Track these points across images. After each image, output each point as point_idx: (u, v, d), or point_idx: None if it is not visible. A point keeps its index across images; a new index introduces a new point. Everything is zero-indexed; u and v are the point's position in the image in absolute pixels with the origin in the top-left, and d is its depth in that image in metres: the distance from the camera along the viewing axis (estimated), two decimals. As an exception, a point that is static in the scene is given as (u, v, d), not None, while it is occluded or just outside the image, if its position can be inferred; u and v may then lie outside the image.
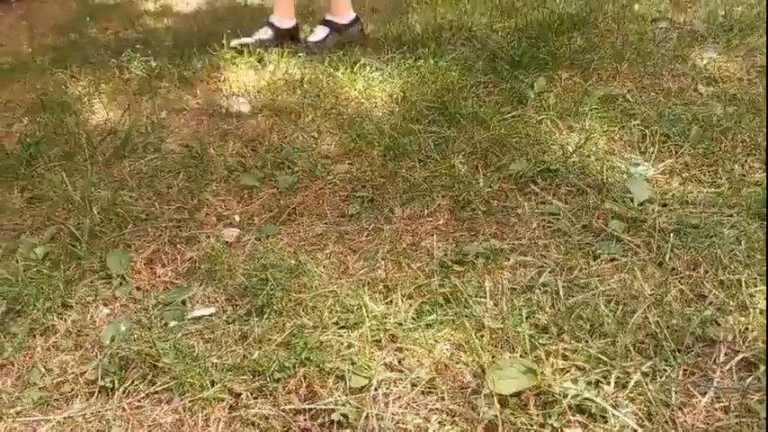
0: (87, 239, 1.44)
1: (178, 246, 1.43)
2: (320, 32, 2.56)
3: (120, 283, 1.31)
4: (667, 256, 1.17)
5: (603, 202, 1.39)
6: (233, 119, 2.08)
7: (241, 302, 1.20)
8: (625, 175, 1.48)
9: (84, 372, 1.06)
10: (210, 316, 1.18)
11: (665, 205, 1.37)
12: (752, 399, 0.87)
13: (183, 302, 1.22)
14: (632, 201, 1.38)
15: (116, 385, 1.02)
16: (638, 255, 1.21)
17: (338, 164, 1.74)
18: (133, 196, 1.66)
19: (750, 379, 0.90)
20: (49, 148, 1.97)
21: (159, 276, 1.34)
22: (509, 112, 1.87)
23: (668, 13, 2.56)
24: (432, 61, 2.27)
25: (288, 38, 2.55)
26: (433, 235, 1.36)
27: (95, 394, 1.02)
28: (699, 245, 1.20)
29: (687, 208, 1.34)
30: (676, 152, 1.56)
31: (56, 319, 1.21)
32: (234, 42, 2.46)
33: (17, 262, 1.35)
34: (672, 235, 1.23)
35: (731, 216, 1.28)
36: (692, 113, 1.72)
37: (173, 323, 1.15)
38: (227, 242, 1.44)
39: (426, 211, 1.45)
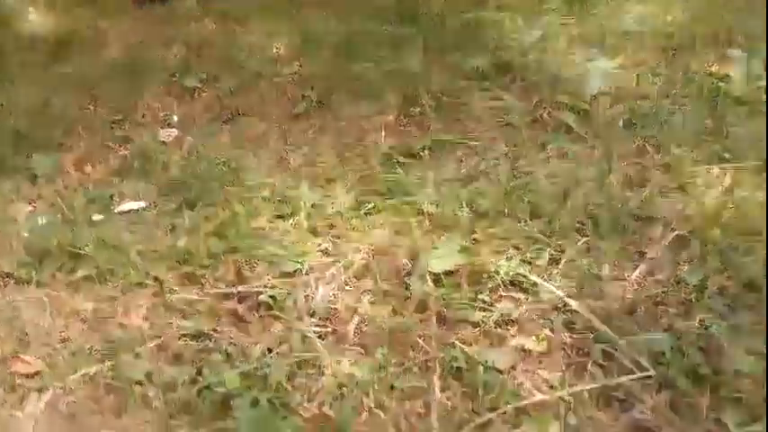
0: (15, 141, 1.36)
1: (111, 145, 1.36)
2: None
3: (47, 182, 1.24)
4: (614, 143, 1.13)
5: (557, 96, 1.33)
6: (180, 24, 1.96)
7: (173, 197, 1.14)
8: (580, 70, 1.42)
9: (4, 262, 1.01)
10: (139, 210, 1.12)
11: (619, 97, 1.32)
12: (682, 270, 0.85)
13: (112, 197, 1.16)
14: (584, 95, 1.33)
15: (33, 276, 0.97)
16: (587, 143, 1.17)
17: (288, 65, 1.65)
18: (67, 100, 1.57)
19: (683, 253, 0.88)
20: (-23, 55, 1.85)
21: (89, 175, 1.27)
22: (468, 12, 1.78)
23: None
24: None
25: None
26: (380, 131, 1.30)
27: (9, 285, 0.97)
28: (647, 132, 1.16)
29: (640, 99, 1.29)
30: (634, 47, 1.50)
31: (-25, 217, 1.14)
32: None
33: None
34: (621, 123, 1.19)
35: (684, 105, 1.24)
36: (652, 9, 1.65)
37: (97, 216, 1.10)
38: (163, 142, 1.36)
39: (376, 108, 1.38)
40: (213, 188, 1.13)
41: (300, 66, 1.64)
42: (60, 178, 1.25)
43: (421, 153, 1.20)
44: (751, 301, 0.82)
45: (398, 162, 1.17)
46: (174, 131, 1.40)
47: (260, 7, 1.96)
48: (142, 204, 1.13)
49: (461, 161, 1.18)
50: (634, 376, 0.73)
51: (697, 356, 0.74)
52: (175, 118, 1.44)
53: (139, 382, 0.78)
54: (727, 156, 1.07)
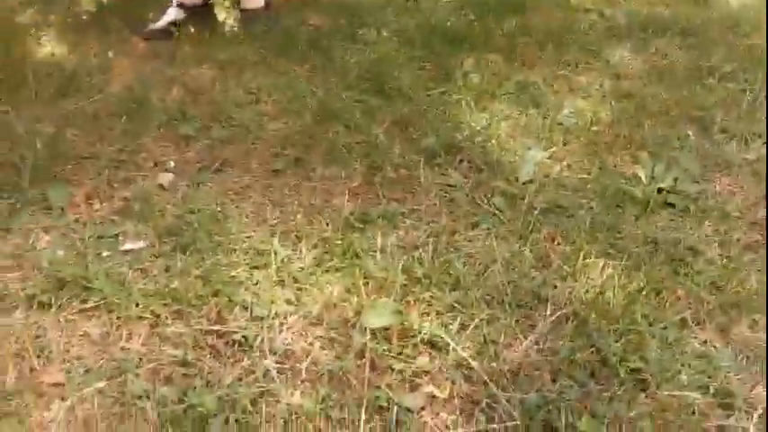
0: (32, 172, 1.58)
1: (115, 185, 1.59)
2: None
3: (60, 215, 1.47)
4: (530, 229, 1.42)
5: (495, 180, 1.62)
6: (179, 65, 2.19)
7: (168, 240, 1.38)
8: (517, 157, 1.71)
9: (25, 288, 1.23)
10: (140, 249, 1.35)
11: (543, 186, 1.61)
12: (560, 343, 1.13)
13: (117, 236, 1.39)
14: (517, 180, 1.62)
15: (52, 301, 1.20)
16: (509, 226, 1.45)
17: (273, 121, 1.90)
18: (76, 134, 1.79)
19: (563, 330, 1.16)
20: (-5, 78, 2.05)
21: (96, 211, 1.50)
22: (434, 88, 2.06)
23: (600, 4, 2.75)
24: (374, 31, 2.42)
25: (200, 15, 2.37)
26: (345, 195, 1.56)
27: (34, 307, 1.20)
28: (559, 222, 1.45)
29: (560, 190, 1.59)
30: (564, 141, 1.80)
31: (-1, 243, 1.36)
32: (146, 31, 2.34)
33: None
34: (538, 212, 1.47)
35: (590, 201, 1.54)
36: (588, 106, 1.96)
37: (105, 253, 1.33)
38: (161, 185, 1.60)
39: (344, 173, 1.65)
40: (202, 236, 1.37)
41: (285, 123, 1.89)
42: (72, 211, 1.48)
43: (375, 221, 1.47)
44: (604, 374, 1.10)
45: (355, 227, 1.44)
46: (171, 176, 1.64)
47: (255, 62, 2.21)
48: (142, 245, 1.37)
49: (407, 231, 1.45)
50: (506, 424, 1.00)
51: (554, 414, 1.02)
52: (172, 164, 1.68)
53: (138, 398, 1.03)
54: (612, 252, 1.36)
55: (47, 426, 0.99)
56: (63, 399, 1.03)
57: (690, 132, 1.84)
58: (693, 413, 1.02)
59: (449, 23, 2.49)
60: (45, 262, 1.28)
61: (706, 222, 1.48)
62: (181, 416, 1.00)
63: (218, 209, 1.47)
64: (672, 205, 1.55)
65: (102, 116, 1.89)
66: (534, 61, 2.29)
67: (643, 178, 1.63)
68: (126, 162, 1.68)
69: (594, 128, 1.85)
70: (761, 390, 1.06)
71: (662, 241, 1.41)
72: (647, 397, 1.04)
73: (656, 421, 0.99)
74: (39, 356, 1.10)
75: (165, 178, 1.63)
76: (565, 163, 1.71)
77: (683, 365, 1.10)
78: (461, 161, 1.71)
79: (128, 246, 1.36)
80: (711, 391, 1.05)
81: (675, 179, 1.62)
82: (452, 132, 1.81)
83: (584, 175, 1.66)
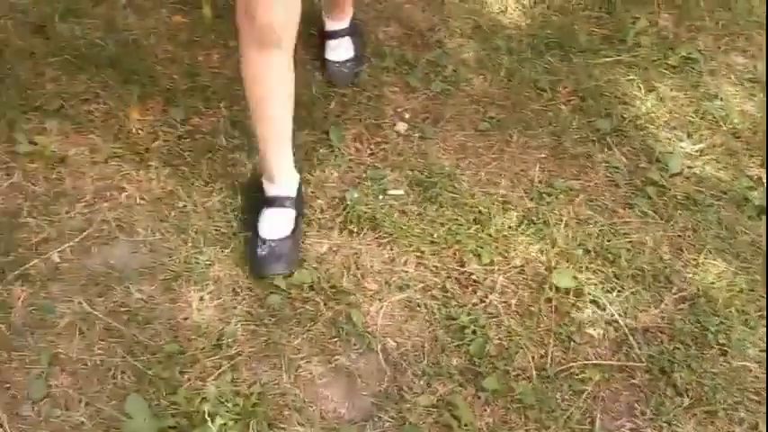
0: (321, 113, 2.18)
1: (371, 130, 2.19)
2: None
3: (339, 153, 2.11)
4: (671, 221, 1.98)
5: (650, 168, 2.13)
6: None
7: (417, 190, 2.02)
8: (670, 148, 2.19)
9: (337, 215, 1.94)
10: (400, 196, 2.01)
11: (687, 179, 2.12)
12: (677, 316, 1.78)
13: (381, 183, 2.04)
14: (667, 171, 2.12)
15: (356, 230, 1.91)
16: (658, 213, 2.01)
17: (475, 75, 2.38)
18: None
19: (681, 307, 1.80)
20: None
21: (362, 153, 2.13)
22: (608, 56, 2.45)
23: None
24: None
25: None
26: (536, 165, 2.13)
27: (344, 232, 1.91)
28: (693, 216, 2.00)
29: (699, 185, 2.10)
30: (711, 133, 2.24)
31: (307, 174, 2.04)
32: None
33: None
34: (679, 205, 2.02)
35: (720, 200, 2.05)
36: (737, 97, 2.33)
37: (380, 197, 1.99)
38: (401, 134, 2.19)
39: (535, 143, 2.18)
40: (441, 192, 2.01)
41: (483, 78, 2.38)
42: (346, 151, 2.12)
43: (558, 194, 2.05)
44: (701, 342, 1.75)
45: (544, 200, 2.03)
46: (405, 125, 2.22)
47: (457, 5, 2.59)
48: (401, 192, 2.02)
49: (580, 205, 2.03)
50: (636, 363, 1.71)
51: (666, 363, 1.70)
52: (407, 115, 2.25)
53: (418, 306, 1.77)
54: (726, 251, 1.92)
55: (374, 315, 1.76)
56: (380, 300, 1.78)
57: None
58: (750, 374, 1.69)
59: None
60: (348, 200, 1.96)
61: (803, 233, 2.00)
62: (447, 324, 1.75)
63: (448, 168, 2.08)
64: (781, 212, 2.05)
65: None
66: (700, 27, 2.58)
67: (764, 183, 2.11)
68: (374, 109, 2.24)
69: (738, 124, 2.26)
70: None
71: (764, 245, 1.95)
72: (725, 362, 1.71)
73: (726, 378, 1.67)
74: (358, 269, 1.84)
75: (402, 126, 2.21)
76: (707, 158, 2.18)
77: (751, 344, 1.74)
78: (624, 144, 2.20)
79: (392, 192, 2.01)
80: (764, 362, 1.71)
81: (789, 188, 2.09)
82: (622, 113, 2.27)
83: (719, 173, 2.14)
